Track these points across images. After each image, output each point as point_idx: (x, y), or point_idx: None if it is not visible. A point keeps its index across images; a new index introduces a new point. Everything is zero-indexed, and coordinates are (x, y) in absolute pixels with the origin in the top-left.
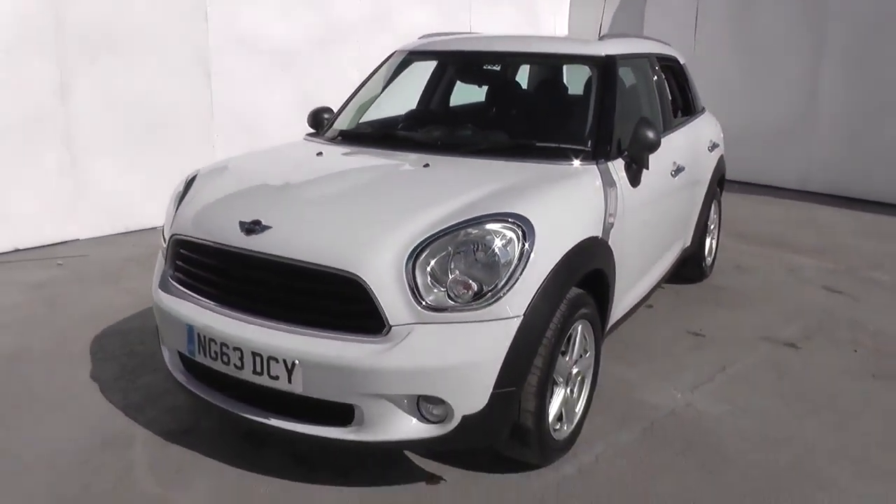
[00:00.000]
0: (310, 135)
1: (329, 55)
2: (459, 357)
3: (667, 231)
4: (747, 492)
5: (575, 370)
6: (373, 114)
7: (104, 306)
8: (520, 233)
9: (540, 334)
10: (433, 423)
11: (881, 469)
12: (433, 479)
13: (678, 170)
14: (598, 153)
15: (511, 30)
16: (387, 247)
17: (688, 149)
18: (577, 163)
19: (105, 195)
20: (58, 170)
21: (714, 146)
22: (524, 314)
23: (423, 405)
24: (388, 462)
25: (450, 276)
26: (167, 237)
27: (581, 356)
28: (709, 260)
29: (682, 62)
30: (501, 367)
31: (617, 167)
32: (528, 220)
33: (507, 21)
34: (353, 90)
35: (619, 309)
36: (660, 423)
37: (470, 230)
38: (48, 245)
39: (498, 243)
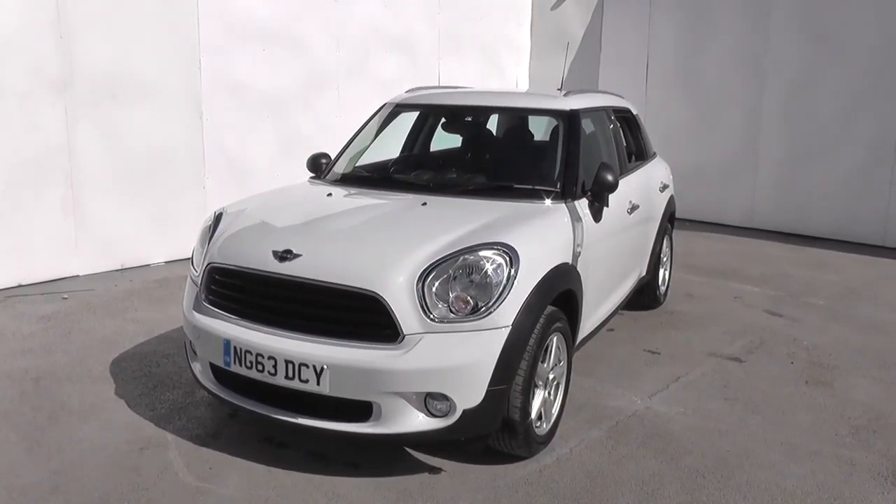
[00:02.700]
0: (312, 177)
1: (311, 102)
2: (461, 359)
3: (625, 260)
4: (701, 471)
5: (551, 376)
6: (367, 158)
7: (116, 334)
8: (508, 259)
9: (525, 342)
10: (438, 416)
11: (808, 451)
12: (434, 470)
13: (633, 208)
14: (566, 193)
15: (477, 79)
16: (401, 270)
17: (641, 189)
18: (548, 202)
19: (104, 233)
20: (61, 209)
21: (664, 187)
22: (512, 325)
23: (429, 402)
24: (393, 457)
25: (451, 294)
26: (202, 265)
27: (556, 364)
28: (662, 289)
29: (635, 112)
30: (495, 368)
31: (582, 205)
32: (514, 248)
33: (474, 70)
34: (334, 136)
35: (586, 326)
36: (623, 423)
37: (467, 256)
38: (50, 280)
39: (490, 267)
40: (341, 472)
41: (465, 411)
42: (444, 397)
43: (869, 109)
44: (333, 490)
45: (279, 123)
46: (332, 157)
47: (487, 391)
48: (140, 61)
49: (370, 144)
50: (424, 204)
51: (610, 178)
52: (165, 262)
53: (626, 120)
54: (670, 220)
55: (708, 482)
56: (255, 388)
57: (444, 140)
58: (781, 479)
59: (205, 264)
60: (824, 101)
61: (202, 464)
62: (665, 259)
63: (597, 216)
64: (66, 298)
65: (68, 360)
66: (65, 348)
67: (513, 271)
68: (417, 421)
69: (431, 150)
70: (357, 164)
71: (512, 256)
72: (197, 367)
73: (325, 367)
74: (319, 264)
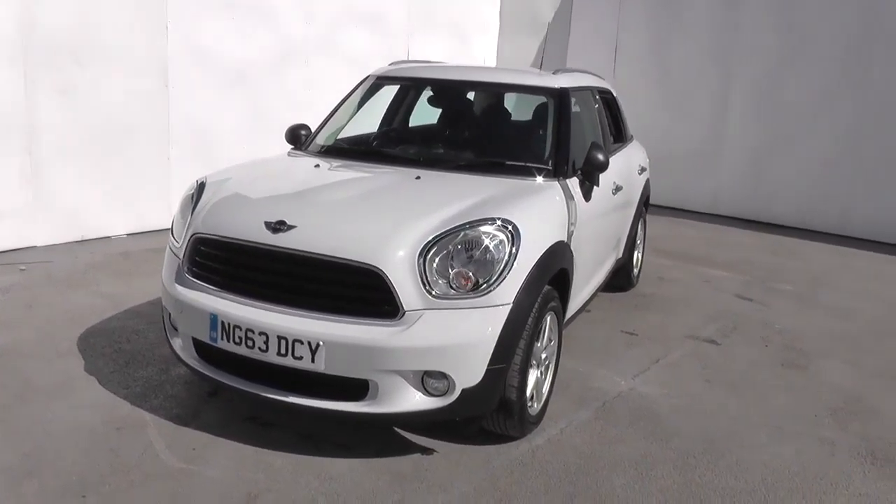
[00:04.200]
0: (294, 149)
1: (279, 75)
2: (462, 337)
3: (609, 241)
4: (691, 452)
5: (543, 355)
6: (348, 131)
7: (81, 308)
8: (510, 235)
9: (524, 320)
10: (435, 395)
11: (791, 432)
12: (426, 451)
13: (617, 189)
14: (558, 172)
15: (446, 56)
16: (402, 245)
17: (623, 171)
18: (539, 179)
19: (64, 203)
20: (19, 176)
21: (642, 170)
22: (513, 302)
23: (426, 380)
24: (384, 438)
25: (452, 270)
26: (185, 236)
27: (548, 344)
28: (636, 271)
29: (614, 94)
30: (495, 347)
31: (573, 184)
32: (515, 224)
33: (443, 48)
34: (302, 110)
35: (573, 306)
36: (610, 404)
37: (469, 231)
38: (5, 251)
39: (492, 243)
40: (332, 453)
41: (464, 390)
42: (443, 376)
43: (834, 102)
44: (325, 472)
45: (246, 95)
46: (312, 129)
47: (487, 370)
48: (104, 24)
49: (352, 117)
50: (418, 178)
51: (601, 157)
52: (127, 235)
53: (607, 101)
54: (645, 203)
55: (699, 463)
56: (241, 364)
57: (423, 115)
58: (769, 459)
59: (188, 235)
60: (791, 92)
61: (184, 445)
62: (639, 242)
63: (587, 195)
64: (23, 270)
65: (32, 336)
66: (27, 323)
67: (514, 248)
68: (415, 400)
69: (414, 124)
70: (339, 137)
71: (514, 232)
72: (177, 343)
73: (320, 343)
74: (316, 237)
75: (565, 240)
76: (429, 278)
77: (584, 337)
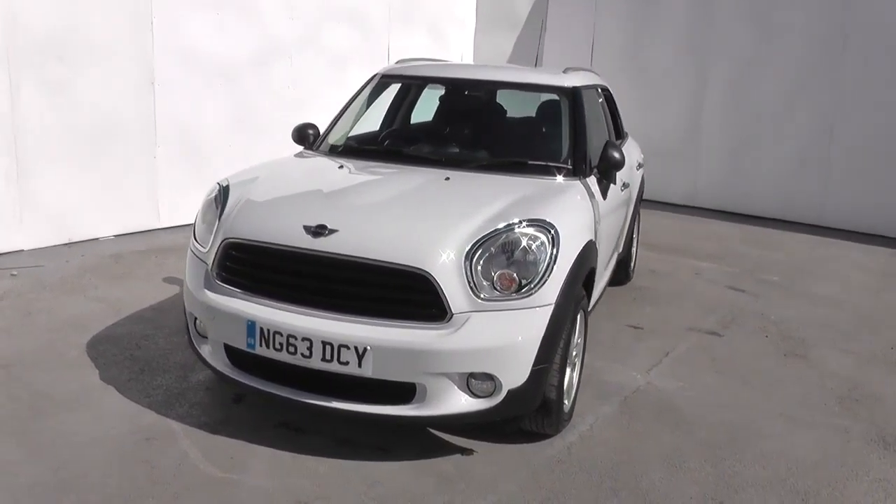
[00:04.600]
0: (306, 149)
1: (264, 72)
2: (509, 338)
3: (618, 237)
4: (716, 444)
5: (574, 353)
6: (360, 130)
7: (81, 315)
8: (550, 236)
9: (565, 320)
10: (481, 397)
11: (805, 421)
12: (466, 451)
13: (624, 185)
14: (578, 170)
15: (425, 53)
16: (449, 247)
17: (628, 167)
18: (560, 178)
19: (50, 206)
20: (4, 178)
21: (640, 166)
22: (554, 303)
23: (472, 382)
24: (422, 439)
25: (495, 272)
26: (214, 241)
27: (578, 341)
28: (632, 265)
29: (611, 91)
30: (539, 347)
31: (592, 183)
32: (554, 225)
33: (420, 44)
34: (286, 107)
35: (592, 301)
36: (631, 398)
37: (511, 233)
38: None
39: (535, 244)
40: (372, 456)
41: (509, 391)
42: (489, 377)
43: (808, 96)
44: (370, 476)
45: (232, 93)
46: (319, 128)
47: (532, 370)
48: (89, 22)
49: (361, 116)
50: (447, 178)
51: (617, 155)
52: (115, 237)
53: (607, 98)
54: (641, 198)
55: (726, 454)
56: (272, 369)
57: (426, 113)
58: (790, 449)
59: (218, 240)
60: (766, 87)
61: (220, 453)
62: (635, 237)
63: (604, 193)
64: (14, 275)
65: (36, 345)
66: (28, 331)
67: (555, 249)
68: (462, 402)
69: (422, 122)
70: (352, 136)
71: (554, 233)
72: (206, 350)
73: (367, 348)
74: (360, 241)
75: (593, 239)
76: (475, 281)
77: (591, 332)
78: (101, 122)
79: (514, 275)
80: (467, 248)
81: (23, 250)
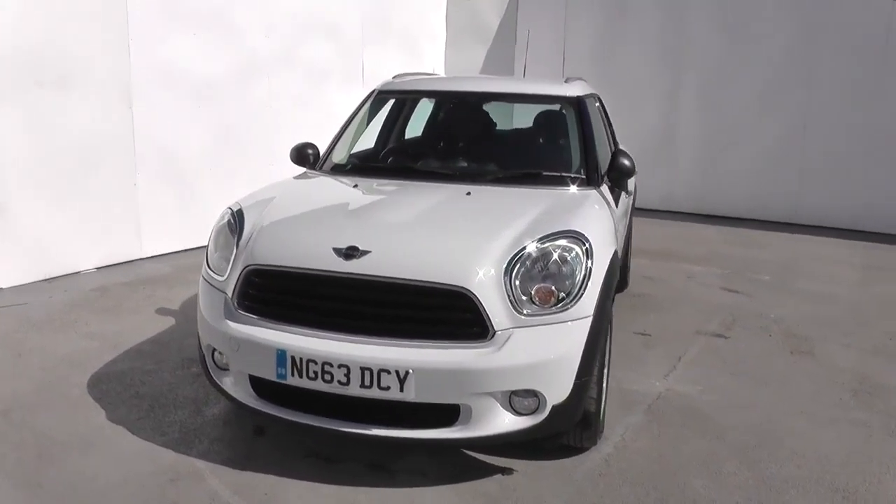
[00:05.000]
0: (308, 169)
1: (243, 91)
2: (552, 353)
3: (625, 245)
4: (749, 447)
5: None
6: (363, 147)
7: (76, 353)
8: (585, 248)
9: (602, 330)
10: (525, 414)
11: (826, 418)
12: (507, 471)
13: (629, 193)
14: (591, 180)
15: (399, 67)
16: (488, 264)
17: None
18: (574, 188)
19: (28, 239)
20: None
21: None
22: (593, 314)
23: (514, 400)
24: (458, 460)
25: (533, 287)
26: (234, 269)
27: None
28: (629, 272)
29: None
30: (580, 360)
31: (605, 191)
32: (585, 236)
33: (394, 58)
34: (267, 126)
35: None
36: (655, 406)
37: (547, 246)
38: None
39: (571, 257)
40: (412, 482)
41: (553, 407)
42: (533, 394)
43: (780, 97)
44: (416, 502)
45: (212, 113)
46: (318, 147)
47: (574, 384)
48: (66, 45)
49: (363, 132)
50: (468, 194)
51: (628, 163)
52: (97, 269)
53: (601, 106)
54: (633, 205)
55: (759, 456)
56: (299, 399)
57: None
58: (818, 447)
59: (239, 267)
60: (738, 89)
61: (252, 489)
62: (629, 242)
63: (616, 202)
64: None
65: (33, 386)
66: (22, 372)
67: (590, 260)
68: (506, 421)
69: (427, 136)
70: (356, 154)
71: (588, 245)
72: (227, 382)
73: (409, 371)
74: (395, 261)
75: (616, 248)
76: (515, 296)
77: None
78: (78, 149)
79: (553, 288)
80: (505, 264)
81: (2, 288)
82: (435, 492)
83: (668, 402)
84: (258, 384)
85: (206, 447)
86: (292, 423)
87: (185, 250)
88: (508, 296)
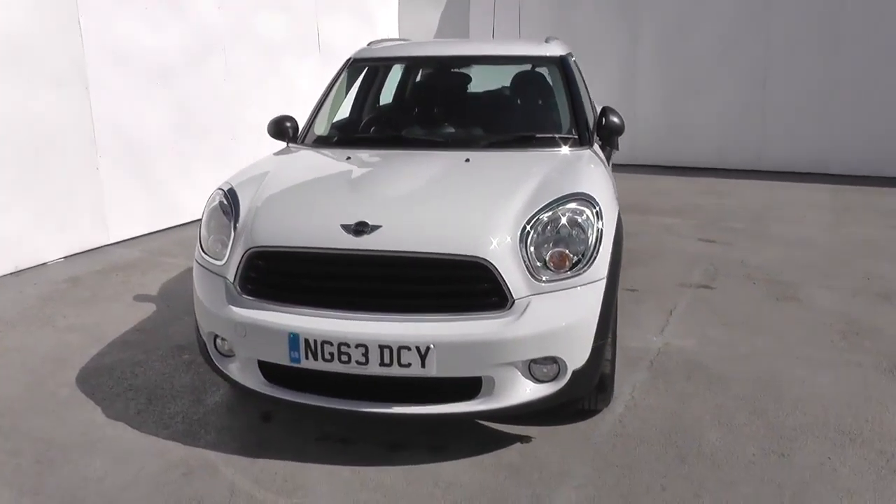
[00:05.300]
0: (289, 143)
1: (200, 66)
2: (571, 318)
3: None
4: (754, 397)
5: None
6: (340, 117)
7: (58, 348)
8: (594, 210)
9: (615, 292)
10: (545, 382)
11: (821, 361)
12: (525, 439)
13: (617, 150)
14: (583, 140)
15: (353, 35)
16: (503, 231)
17: None
18: (566, 149)
19: None
20: None
21: None
22: (607, 276)
23: (534, 368)
24: (473, 431)
25: (548, 252)
26: (234, 252)
27: None
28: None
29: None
30: (597, 323)
31: (597, 150)
32: (594, 197)
33: (348, 26)
34: (226, 103)
35: None
36: (657, 362)
37: (558, 210)
38: None
39: (582, 219)
40: (431, 457)
41: (574, 372)
42: (553, 360)
43: (739, 48)
44: (440, 478)
45: (170, 92)
46: (296, 119)
47: (592, 348)
48: (13, 25)
49: (341, 102)
50: (468, 160)
51: (617, 120)
52: (64, 259)
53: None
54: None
55: (767, 406)
56: (308, 382)
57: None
58: (819, 390)
59: (240, 250)
60: (697, 41)
61: (272, 478)
62: None
63: (608, 160)
64: None
65: (18, 388)
66: (5, 374)
67: (600, 222)
68: (528, 390)
69: (410, 102)
70: (340, 125)
71: (597, 207)
72: (233, 369)
73: (430, 346)
74: (408, 235)
75: (618, 208)
76: (531, 263)
77: None
78: (35, 135)
79: (567, 252)
80: (520, 231)
81: None
82: (458, 466)
83: (668, 357)
84: (267, 369)
85: (215, 437)
86: (308, 407)
87: (152, 233)
88: (525, 263)
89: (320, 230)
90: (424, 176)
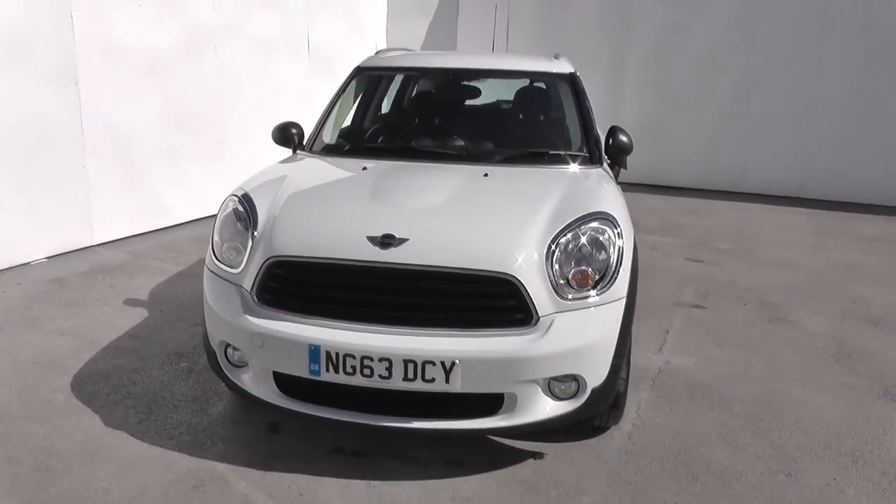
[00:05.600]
0: (295, 150)
1: (192, 65)
2: (593, 336)
3: None
4: (756, 417)
5: None
6: (351, 127)
7: (49, 352)
8: (615, 229)
9: (633, 311)
10: (564, 399)
11: (817, 383)
12: (537, 455)
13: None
14: (594, 158)
15: (343, 40)
16: (529, 248)
17: None
18: (578, 167)
19: None
20: None
21: None
22: (626, 295)
23: (553, 385)
24: (487, 449)
25: (571, 270)
26: (253, 261)
27: None
28: None
29: None
30: (617, 342)
31: (606, 169)
32: (614, 217)
33: (339, 31)
34: (219, 102)
35: None
36: (659, 381)
37: (581, 228)
38: None
39: (604, 238)
40: (448, 472)
41: (593, 390)
42: (573, 378)
43: (724, 69)
44: (458, 494)
45: (160, 90)
46: (301, 126)
47: (611, 365)
48: (4, 19)
49: (349, 111)
50: (486, 175)
51: (626, 140)
52: (48, 259)
53: None
54: None
55: (769, 426)
56: (322, 394)
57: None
58: (818, 412)
59: (258, 259)
60: (683, 60)
61: (286, 491)
62: None
63: (616, 179)
64: None
65: (11, 394)
66: None
67: (621, 241)
68: (548, 407)
69: (419, 113)
70: (349, 134)
71: (619, 227)
72: (246, 379)
73: (455, 362)
74: (436, 249)
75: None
76: (556, 281)
77: None
78: (24, 130)
79: (589, 271)
80: (546, 249)
81: None
82: (474, 481)
83: (669, 375)
84: (281, 380)
85: (222, 449)
86: (327, 420)
87: (138, 235)
88: (550, 280)
89: (346, 241)
90: (446, 189)
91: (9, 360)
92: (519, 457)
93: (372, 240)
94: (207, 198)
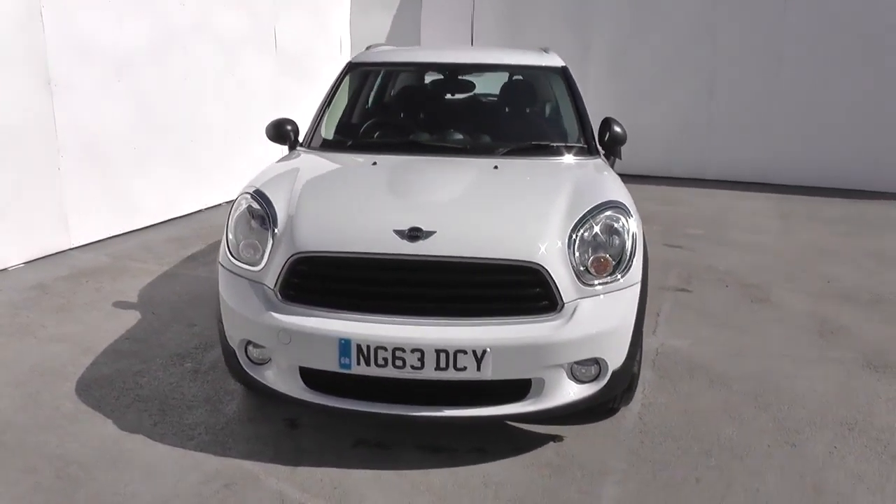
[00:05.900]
0: (292, 147)
1: (163, 64)
2: (614, 321)
3: None
4: (755, 393)
5: None
6: (350, 121)
7: (46, 360)
8: (629, 216)
9: (647, 295)
10: (586, 382)
11: (807, 359)
12: (556, 438)
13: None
14: (591, 149)
15: (308, 37)
16: (554, 237)
17: None
18: (574, 157)
19: None
20: None
21: None
22: (641, 280)
23: (575, 369)
24: (507, 434)
25: (590, 257)
26: (276, 257)
27: None
28: None
29: None
30: (634, 324)
31: (603, 159)
32: (626, 205)
33: (303, 27)
34: (188, 101)
35: None
36: (658, 362)
37: (598, 217)
38: None
39: (618, 226)
40: (475, 459)
41: (613, 373)
42: (595, 362)
43: (687, 61)
44: (488, 479)
45: (132, 90)
46: (296, 123)
47: (629, 349)
48: None
49: (344, 106)
50: (496, 167)
51: (620, 131)
52: (25, 264)
53: None
54: None
55: (769, 402)
56: (344, 386)
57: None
58: (811, 386)
59: (282, 255)
60: (646, 52)
61: (319, 484)
62: None
63: (612, 169)
64: None
65: (16, 403)
66: None
67: (634, 228)
68: (572, 391)
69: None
70: (347, 129)
71: (631, 214)
72: (269, 376)
73: (486, 350)
74: (464, 240)
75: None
76: (577, 268)
77: None
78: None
79: (608, 257)
80: (568, 237)
81: None
82: (500, 466)
83: (667, 356)
84: (306, 375)
85: (245, 447)
86: (356, 413)
87: (115, 236)
88: (572, 268)
89: (373, 235)
90: (461, 182)
91: (6, 370)
92: (539, 441)
93: (399, 233)
94: (179, 197)
